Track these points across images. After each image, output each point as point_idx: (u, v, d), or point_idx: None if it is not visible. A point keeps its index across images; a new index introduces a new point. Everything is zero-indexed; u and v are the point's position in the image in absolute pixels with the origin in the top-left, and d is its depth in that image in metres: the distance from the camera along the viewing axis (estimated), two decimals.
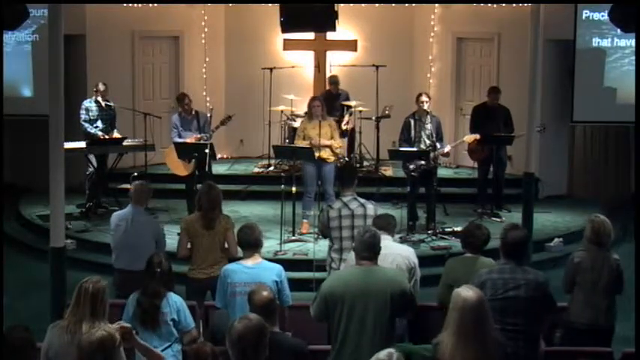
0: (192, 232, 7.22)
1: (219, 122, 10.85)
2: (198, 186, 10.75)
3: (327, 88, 12.76)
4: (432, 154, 10.20)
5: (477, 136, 10.94)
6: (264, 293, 5.12)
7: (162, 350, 5.72)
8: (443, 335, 4.60)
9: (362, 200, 7.26)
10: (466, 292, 4.59)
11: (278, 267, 6.19)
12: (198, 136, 10.61)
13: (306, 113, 12.61)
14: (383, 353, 4.05)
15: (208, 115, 11.13)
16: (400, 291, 5.30)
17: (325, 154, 10.34)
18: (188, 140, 10.56)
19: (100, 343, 4.29)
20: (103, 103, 11.21)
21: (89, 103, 11.19)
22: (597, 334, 6.33)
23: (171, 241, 9.95)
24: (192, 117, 10.75)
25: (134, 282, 6.77)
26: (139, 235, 7.41)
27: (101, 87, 11.17)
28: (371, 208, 7.17)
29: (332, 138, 10.43)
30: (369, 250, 5.42)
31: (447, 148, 10.48)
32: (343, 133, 12.14)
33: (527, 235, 5.70)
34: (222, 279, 6.12)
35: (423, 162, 10.21)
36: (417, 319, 6.16)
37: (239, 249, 6.67)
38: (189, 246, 7.31)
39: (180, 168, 10.67)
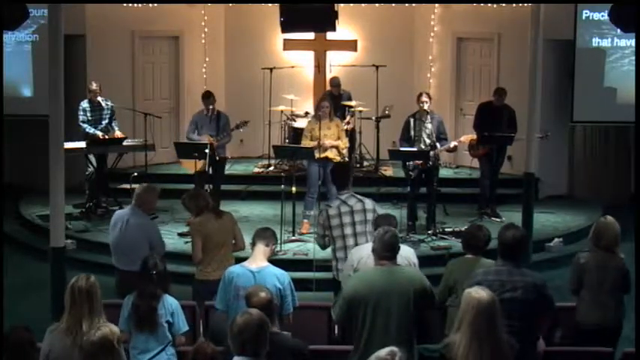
0: (204, 233, 7.21)
1: (234, 126, 10.84)
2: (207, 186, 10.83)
3: (329, 89, 12.73)
4: (432, 153, 10.20)
5: (474, 136, 10.97)
6: (262, 294, 5.11)
7: (157, 353, 5.71)
8: (455, 336, 4.58)
9: (359, 196, 7.26)
10: (479, 293, 4.57)
11: (283, 273, 6.08)
12: (213, 137, 10.58)
13: (306, 113, 12.67)
14: (384, 351, 4.04)
15: (228, 116, 11.07)
16: (422, 289, 5.34)
17: (331, 154, 10.36)
18: (201, 139, 10.56)
19: (101, 343, 4.27)
20: (103, 103, 11.21)
21: (85, 104, 11.18)
22: (605, 334, 6.33)
23: (172, 241, 10.03)
24: (213, 117, 10.75)
25: (132, 282, 6.84)
26: (131, 237, 7.29)
27: (93, 86, 11.15)
28: (369, 202, 7.20)
29: (339, 138, 10.45)
30: (390, 250, 5.43)
31: (452, 143, 10.48)
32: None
33: (524, 235, 5.66)
34: (226, 282, 6.05)
35: (419, 162, 10.21)
36: (425, 319, 6.15)
37: (247, 243, 6.65)
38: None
39: (191, 164, 10.64)
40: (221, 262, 7.10)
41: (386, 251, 5.42)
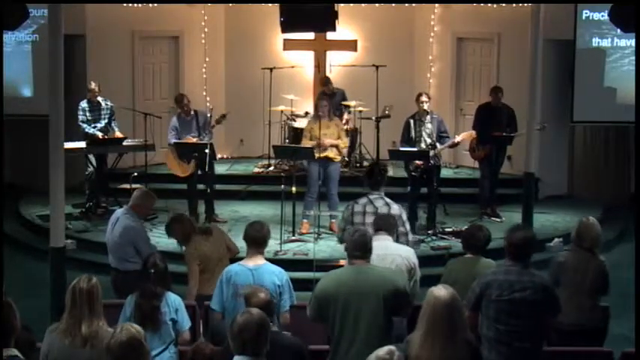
0: (202, 257, 7.17)
1: (214, 121, 10.88)
2: (200, 186, 10.84)
3: (322, 89, 12.74)
4: (432, 153, 10.19)
5: (472, 133, 10.98)
6: (262, 295, 5.10)
7: (161, 352, 5.71)
8: (414, 333, 4.60)
9: (388, 200, 7.18)
10: (439, 291, 4.56)
11: (280, 270, 6.09)
12: (195, 138, 10.61)
13: (306, 113, 12.68)
14: (383, 351, 4.04)
15: (208, 114, 11.15)
16: (393, 290, 5.27)
17: (332, 153, 10.37)
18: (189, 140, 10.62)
19: (129, 342, 4.25)
20: (102, 103, 11.22)
21: (84, 104, 11.18)
22: (583, 334, 6.29)
23: (172, 241, 10.00)
24: (191, 117, 10.75)
25: (124, 281, 7.02)
26: (117, 238, 7.37)
27: (92, 85, 11.14)
28: (396, 208, 7.08)
29: (339, 137, 10.45)
30: (360, 250, 5.41)
31: (457, 138, 10.48)
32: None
33: (533, 235, 5.65)
34: (224, 280, 6.04)
35: (420, 162, 10.21)
36: (416, 320, 6.14)
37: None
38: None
39: (179, 169, 10.69)
40: (219, 274, 7.09)
41: (355, 250, 5.41)
